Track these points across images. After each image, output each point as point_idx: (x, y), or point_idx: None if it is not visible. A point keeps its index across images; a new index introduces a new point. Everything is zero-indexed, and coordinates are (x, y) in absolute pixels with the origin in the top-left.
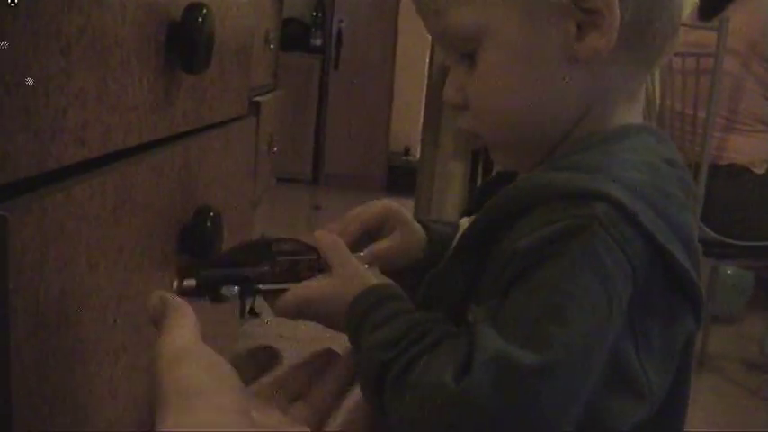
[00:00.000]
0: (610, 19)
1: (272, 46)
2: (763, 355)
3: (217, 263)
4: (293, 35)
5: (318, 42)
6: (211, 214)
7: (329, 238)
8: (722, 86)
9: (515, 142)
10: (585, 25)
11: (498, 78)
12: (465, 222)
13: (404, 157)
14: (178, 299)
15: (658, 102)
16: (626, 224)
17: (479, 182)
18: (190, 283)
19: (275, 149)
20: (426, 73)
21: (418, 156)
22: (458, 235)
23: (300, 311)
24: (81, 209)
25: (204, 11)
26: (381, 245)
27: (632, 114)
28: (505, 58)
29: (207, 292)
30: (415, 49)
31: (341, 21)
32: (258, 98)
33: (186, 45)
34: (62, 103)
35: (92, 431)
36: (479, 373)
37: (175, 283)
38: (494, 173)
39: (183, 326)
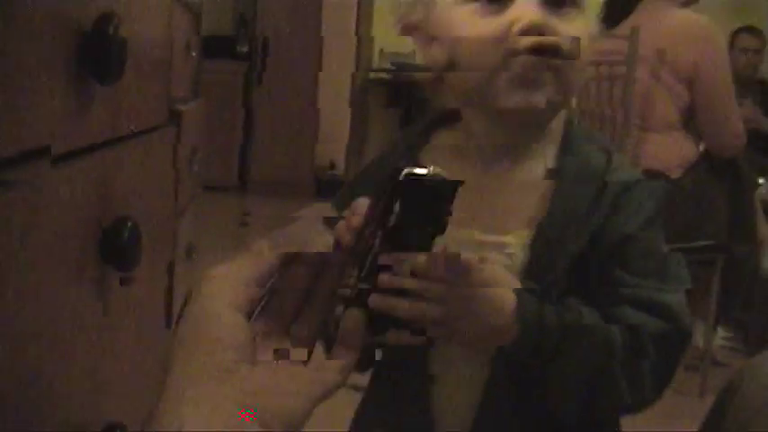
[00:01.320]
0: None
1: (193, 53)
2: (694, 356)
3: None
4: (217, 45)
5: (244, 49)
6: (129, 224)
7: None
8: (634, 93)
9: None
10: None
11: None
12: None
13: (329, 172)
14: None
15: (575, 112)
16: None
17: None
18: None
19: (199, 157)
20: (351, 80)
21: (343, 170)
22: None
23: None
24: None
25: (115, 20)
26: None
27: None
28: None
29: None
30: (339, 55)
31: (264, 31)
32: (180, 107)
33: (98, 55)
34: None
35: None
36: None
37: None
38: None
39: (238, 267)
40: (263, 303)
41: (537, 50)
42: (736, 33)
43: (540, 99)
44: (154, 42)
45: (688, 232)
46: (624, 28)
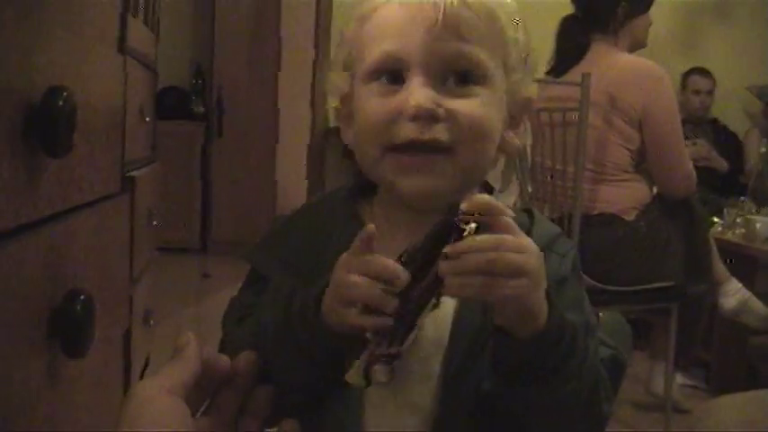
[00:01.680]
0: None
1: (147, 119)
2: (650, 394)
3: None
4: (173, 104)
5: (200, 109)
6: (82, 298)
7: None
8: (587, 139)
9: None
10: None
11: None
12: None
13: None
14: (188, 351)
15: (530, 159)
16: None
17: None
18: None
19: (155, 223)
20: (309, 133)
21: None
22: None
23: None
24: None
25: (65, 93)
26: None
27: None
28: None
29: None
30: (296, 110)
31: (221, 87)
32: (134, 173)
33: (47, 129)
34: None
35: None
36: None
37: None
38: None
39: (166, 375)
40: (207, 403)
41: (414, 146)
42: (687, 75)
43: (431, 183)
44: (107, 109)
45: (644, 274)
46: (575, 74)
